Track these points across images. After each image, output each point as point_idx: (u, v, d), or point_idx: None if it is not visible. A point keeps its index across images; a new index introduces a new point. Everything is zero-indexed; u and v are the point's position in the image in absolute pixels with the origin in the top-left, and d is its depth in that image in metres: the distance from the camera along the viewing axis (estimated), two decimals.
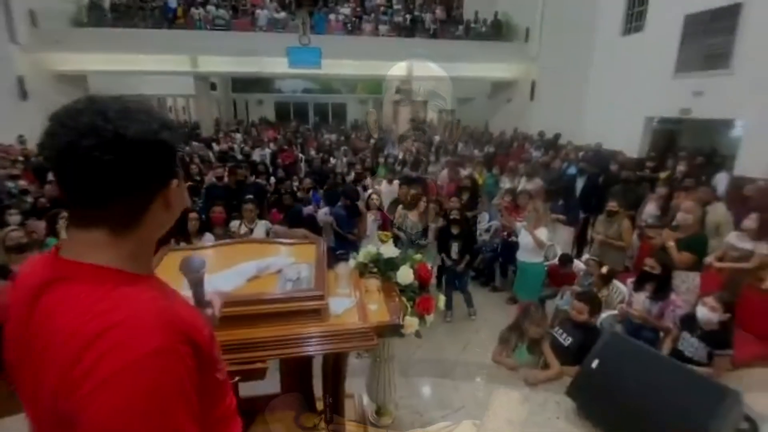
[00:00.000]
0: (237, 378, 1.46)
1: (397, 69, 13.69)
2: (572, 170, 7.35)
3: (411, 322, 1.69)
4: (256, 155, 9.26)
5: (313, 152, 9.57)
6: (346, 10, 14.73)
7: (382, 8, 14.87)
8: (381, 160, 8.63)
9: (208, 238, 3.76)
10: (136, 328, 0.54)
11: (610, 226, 4.42)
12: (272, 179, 6.48)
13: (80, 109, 0.58)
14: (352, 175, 6.83)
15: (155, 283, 0.67)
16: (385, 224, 4.64)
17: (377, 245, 4.20)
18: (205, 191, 5.49)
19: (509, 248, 4.71)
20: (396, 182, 6.11)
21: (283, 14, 13.67)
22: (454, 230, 4.32)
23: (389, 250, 1.93)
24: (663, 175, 6.67)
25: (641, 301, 3.07)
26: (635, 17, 10.70)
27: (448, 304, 4.50)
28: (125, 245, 0.63)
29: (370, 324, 1.52)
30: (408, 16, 14.16)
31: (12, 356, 0.63)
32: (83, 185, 0.58)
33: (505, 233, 4.91)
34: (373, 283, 1.86)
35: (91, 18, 12.15)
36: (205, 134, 13.03)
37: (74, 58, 11.69)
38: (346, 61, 13.33)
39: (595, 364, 2.10)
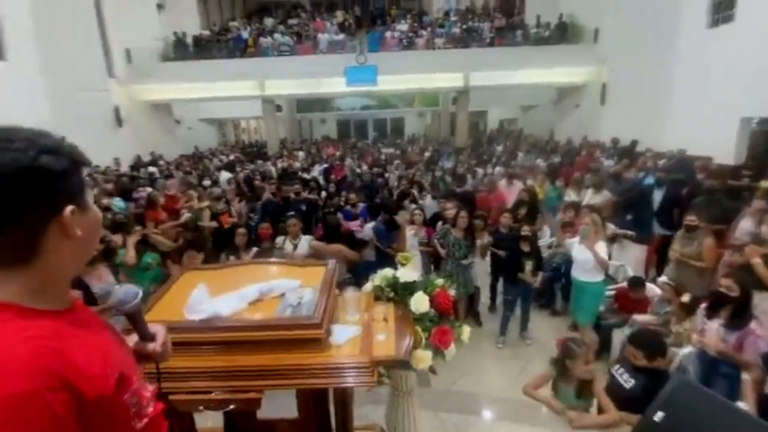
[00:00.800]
0: (230, 406, 1.42)
1: (453, 80, 13.49)
2: (649, 180, 6.54)
3: (423, 357, 1.52)
4: (316, 171, 9.59)
5: (365, 167, 9.66)
6: (403, 26, 14.94)
7: (438, 21, 14.85)
8: (438, 173, 8.46)
9: (255, 252, 3.89)
10: None
11: (689, 243, 3.80)
12: (323, 194, 6.61)
13: None
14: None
15: (61, 321, 0.61)
16: (430, 236, 4.46)
17: (419, 257, 4.11)
18: (261, 207, 5.75)
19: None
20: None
21: (341, 36, 14.22)
22: (525, 247, 4.03)
23: (407, 274, 1.78)
24: (765, 184, 5.65)
25: (715, 329, 2.56)
26: (723, 6, 9.42)
27: (503, 329, 4.18)
28: (23, 280, 0.59)
29: (372, 357, 1.38)
30: (464, 27, 13.94)
31: None
32: None
33: (565, 251, 4.47)
34: (388, 310, 1.72)
35: (176, 53, 13.68)
36: (271, 153, 13.86)
37: (161, 88, 13.21)
38: (402, 76, 13.43)
39: (659, 416, 1.72)
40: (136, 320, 0.87)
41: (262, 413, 1.74)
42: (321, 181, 8.37)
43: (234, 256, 3.97)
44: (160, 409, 0.72)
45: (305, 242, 4.06)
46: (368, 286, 1.87)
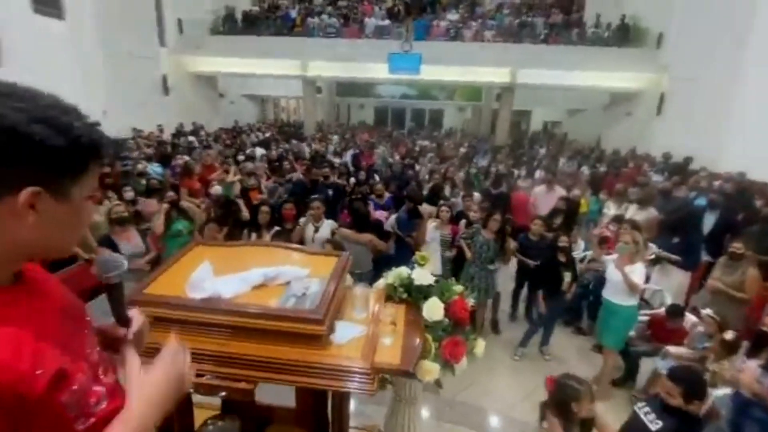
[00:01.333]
0: (222, 394, 1.36)
1: (500, 76, 13.00)
2: (701, 201, 6.03)
3: (430, 369, 1.39)
4: (347, 157, 9.54)
5: (398, 157, 9.50)
6: (453, 15, 14.49)
7: (490, 13, 14.28)
8: (473, 170, 8.21)
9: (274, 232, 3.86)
10: None
11: (731, 271, 3.46)
12: (352, 180, 6.54)
13: None
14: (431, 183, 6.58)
15: None
16: (455, 236, 4.29)
17: (438, 255, 3.96)
18: (288, 187, 5.74)
19: (603, 285, 3.99)
20: (477, 195, 5.68)
21: (388, 22, 13.96)
22: (562, 258, 3.81)
23: (423, 276, 1.65)
24: None
25: (752, 368, 2.30)
26: None
27: (524, 341, 3.99)
28: None
29: (373, 364, 1.27)
30: (516, 21, 13.33)
31: None
32: None
33: (599, 267, 4.20)
34: (399, 312, 1.60)
35: (225, 27, 13.90)
36: (307, 134, 13.94)
37: (209, 60, 13.50)
38: (446, 67, 13.09)
39: None
40: (113, 297, 0.78)
41: (261, 397, 1.69)
42: (350, 166, 8.32)
43: (256, 233, 3.97)
44: (118, 404, 0.63)
45: (327, 227, 3.99)
46: (380, 283, 1.76)
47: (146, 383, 0.68)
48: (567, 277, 3.81)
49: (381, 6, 15.58)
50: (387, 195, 5.60)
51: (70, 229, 0.62)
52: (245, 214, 4.36)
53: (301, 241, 3.98)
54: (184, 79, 13.27)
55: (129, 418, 0.62)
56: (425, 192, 6.01)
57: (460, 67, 13.01)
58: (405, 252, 4.07)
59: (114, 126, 10.32)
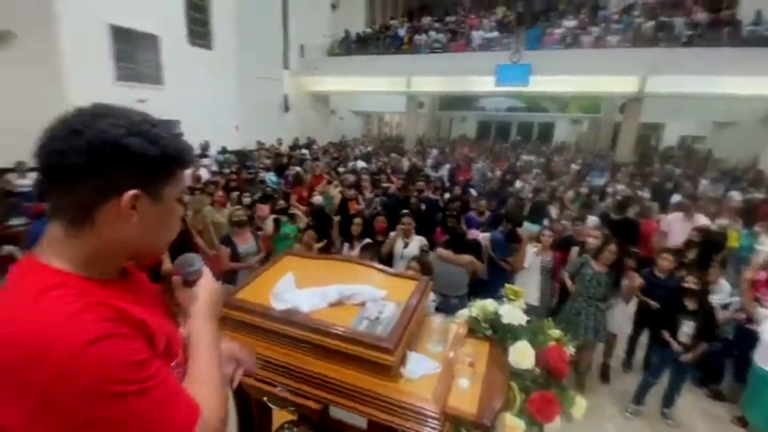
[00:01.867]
0: (292, 408, 1.35)
1: (625, 85, 11.57)
2: None
3: (513, 425, 1.20)
4: (443, 171, 9.43)
5: (498, 172, 9.03)
6: (571, 22, 13.44)
7: (616, 16, 12.86)
8: (583, 190, 7.36)
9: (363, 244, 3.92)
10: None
11: None
12: (447, 196, 6.39)
13: (67, 115, 0.62)
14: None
15: (98, 288, 0.62)
16: (556, 271, 3.84)
17: (537, 283, 3.56)
18: (385, 199, 5.85)
19: (750, 340, 3.14)
20: (593, 219, 5.02)
21: (495, 33, 13.56)
22: (689, 304, 3.16)
23: (512, 313, 1.46)
24: None
25: None
26: None
27: (639, 396, 3.36)
28: (78, 245, 0.62)
29: (445, 408, 1.14)
30: (651, 23, 11.73)
31: None
32: (52, 166, 0.60)
33: (745, 317, 3.34)
34: (481, 350, 1.44)
35: (341, 48, 15.06)
36: (407, 148, 14.22)
37: (324, 80, 14.76)
38: (560, 77, 12.15)
39: None
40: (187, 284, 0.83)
41: (335, 412, 1.67)
42: (446, 181, 8.17)
43: (348, 243, 4.09)
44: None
45: (416, 243, 3.92)
46: (464, 314, 1.60)
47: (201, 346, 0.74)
48: (689, 327, 3.08)
49: (490, 18, 15.27)
50: (488, 213, 5.33)
51: (164, 229, 0.71)
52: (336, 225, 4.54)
53: (390, 256, 3.98)
54: (301, 98, 14.71)
55: (192, 374, 0.71)
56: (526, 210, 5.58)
57: (576, 76, 11.95)
58: (501, 276, 3.77)
59: (244, 139, 11.92)
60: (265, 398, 1.38)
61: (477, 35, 13.65)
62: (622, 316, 3.70)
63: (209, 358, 0.72)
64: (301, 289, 1.48)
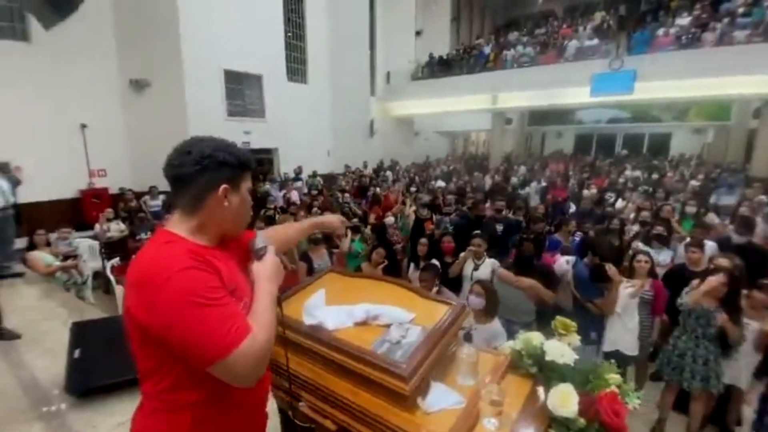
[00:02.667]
0: (312, 425, 1.33)
1: (757, 85, 9.66)
2: None
3: None
4: (532, 189, 8.83)
5: (594, 190, 8.12)
6: (685, 20, 11.82)
7: (742, 9, 10.93)
8: (692, 209, 6.18)
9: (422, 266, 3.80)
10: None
11: None
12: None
13: (185, 142, 0.98)
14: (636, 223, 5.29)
15: (201, 249, 0.96)
16: (658, 303, 3.24)
17: (635, 324, 3.02)
18: (457, 220, 5.66)
19: None
20: (711, 245, 4.16)
21: (595, 41, 12.53)
22: None
23: (558, 350, 1.25)
24: None
25: None
26: None
27: None
28: (190, 222, 0.98)
29: None
30: None
31: None
32: (174, 175, 0.96)
33: None
34: (522, 388, 1.26)
35: (424, 72, 15.36)
36: (493, 166, 13.71)
37: (407, 104, 15.15)
38: (675, 81, 10.68)
39: None
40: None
41: None
42: (537, 200, 7.61)
43: (414, 263, 4.02)
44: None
45: (488, 265, 3.68)
46: (508, 346, 1.43)
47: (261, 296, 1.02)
48: None
49: (587, 25, 14.20)
50: (578, 235, 4.80)
51: (242, 212, 1.04)
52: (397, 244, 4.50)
53: (460, 277, 3.80)
54: (386, 122, 15.26)
55: (253, 311, 0.98)
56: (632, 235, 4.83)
57: (695, 79, 10.37)
58: (591, 316, 3.22)
59: (333, 163, 12.74)
60: (290, 412, 1.39)
61: (571, 45, 12.77)
62: (752, 367, 2.95)
63: (265, 305, 0.98)
64: (331, 306, 1.48)
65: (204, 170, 0.94)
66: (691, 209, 5.76)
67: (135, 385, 1.85)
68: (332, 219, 1.60)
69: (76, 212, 7.74)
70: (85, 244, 5.96)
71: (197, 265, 0.89)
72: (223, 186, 0.96)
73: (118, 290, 5.03)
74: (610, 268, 3.08)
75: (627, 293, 3.05)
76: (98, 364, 1.95)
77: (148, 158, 8.59)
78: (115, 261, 5.24)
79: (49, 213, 6.93)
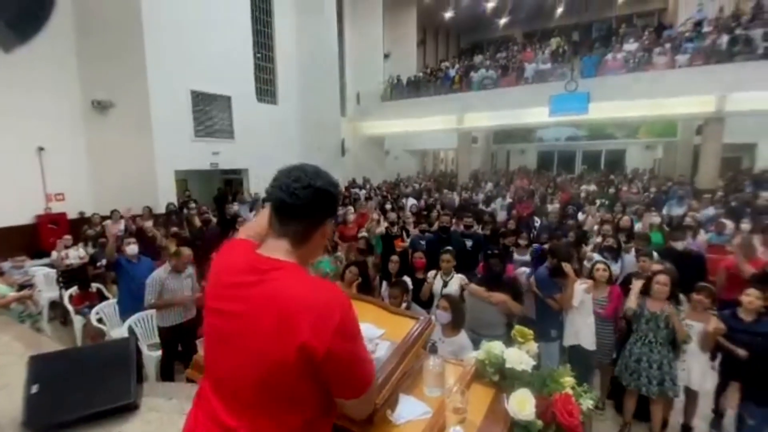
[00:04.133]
0: None
1: (699, 105, 10.57)
2: None
3: None
4: (497, 205, 9.15)
5: (557, 204, 8.53)
6: (632, 45, 12.83)
7: (686, 34, 12.02)
8: (656, 220, 6.63)
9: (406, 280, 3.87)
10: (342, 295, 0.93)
11: None
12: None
13: (296, 171, 0.96)
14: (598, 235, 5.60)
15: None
16: (612, 306, 3.45)
17: (590, 324, 3.20)
18: (430, 236, 5.78)
19: None
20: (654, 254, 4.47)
21: (549, 65, 13.35)
22: None
23: (516, 357, 1.34)
24: None
25: None
26: None
27: None
28: (296, 254, 0.97)
29: None
30: (725, 38, 10.78)
31: (232, 307, 0.94)
32: (287, 208, 0.94)
33: None
34: (485, 397, 1.33)
35: (393, 94, 15.77)
36: (461, 183, 14.10)
37: (378, 124, 15.45)
38: (624, 102, 11.51)
39: None
40: None
41: None
42: (503, 216, 7.89)
43: (386, 280, 4.08)
44: None
45: (456, 281, 3.79)
46: (473, 356, 1.51)
47: None
48: None
49: (545, 50, 15.11)
50: (534, 246, 5.04)
51: (324, 242, 1.09)
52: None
53: (431, 296, 3.88)
54: (357, 141, 15.48)
55: None
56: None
57: (644, 100, 11.22)
58: (551, 316, 3.48)
59: None
60: None
61: (530, 68, 13.53)
62: (701, 367, 3.17)
63: None
64: None
65: (323, 205, 0.96)
66: (655, 219, 6.17)
67: (100, 419, 1.79)
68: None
69: (32, 239, 7.33)
70: (40, 272, 5.66)
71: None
72: (331, 220, 1.02)
73: (77, 321, 4.78)
74: (566, 266, 3.30)
75: (582, 288, 3.28)
76: (59, 399, 1.87)
77: (110, 181, 8.33)
78: (73, 290, 4.99)
79: (2, 240, 6.54)
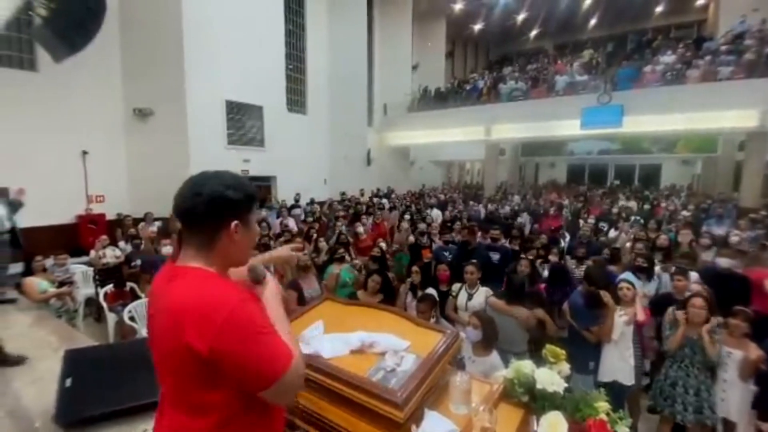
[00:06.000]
0: None
1: (741, 119, 10.04)
2: None
3: None
4: (524, 219, 8.94)
5: (590, 220, 8.24)
6: (668, 57, 12.40)
7: (725, 47, 11.51)
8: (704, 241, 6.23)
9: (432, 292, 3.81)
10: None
11: None
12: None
13: (192, 179, 1.02)
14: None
15: (224, 278, 1.03)
16: (639, 328, 3.23)
17: (631, 356, 3.02)
18: (455, 248, 5.70)
19: None
20: (693, 274, 4.20)
21: (584, 77, 13.06)
22: None
23: (548, 378, 1.28)
24: None
25: None
26: None
27: None
28: (206, 258, 1.00)
29: None
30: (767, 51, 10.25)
31: (150, 313, 1.04)
32: (182, 216, 1.00)
33: None
34: (514, 417, 1.27)
35: (419, 105, 15.83)
36: (487, 195, 13.90)
37: (404, 134, 15.50)
38: (661, 115, 11.07)
39: None
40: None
41: None
42: (530, 230, 7.70)
43: (412, 292, 4.04)
44: None
45: (482, 294, 3.70)
46: (501, 375, 1.45)
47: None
48: None
49: (577, 62, 14.82)
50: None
51: (248, 246, 1.08)
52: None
53: (455, 308, 3.80)
54: (383, 152, 15.57)
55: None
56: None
57: (681, 114, 10.76)
58: (587, 347, 3.23)
59: (330, 191, 12.88)
60: None
61: (561, 80, 13.29)
62: (741, 397, 2.93)
63: (286, 326, 1.04)
64: (328, 334, 1.50)
65: (216, 210, 0.98)
66: (705, 241, 5.85)
67: (127, 416, 1.83)
68: (281, 252, 1.50)
69: (72, 237, 7.72)
70: (79, 270, 5.93)
71: (249, 296, 0.97)
72: (234, 223, 1.00)
73: (110, 318, 4.96)
74: (605, 295, 3.12)
75: (622, 321, 3.07)
76: (91, 393, 1.93)
77: (147, 185, 8.69)
78: (109, 288, 5.20)
79: (44, 238, 6.91)
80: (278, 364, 0.90)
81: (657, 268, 4.45)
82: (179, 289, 0.95)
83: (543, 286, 4.21)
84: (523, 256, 4.82)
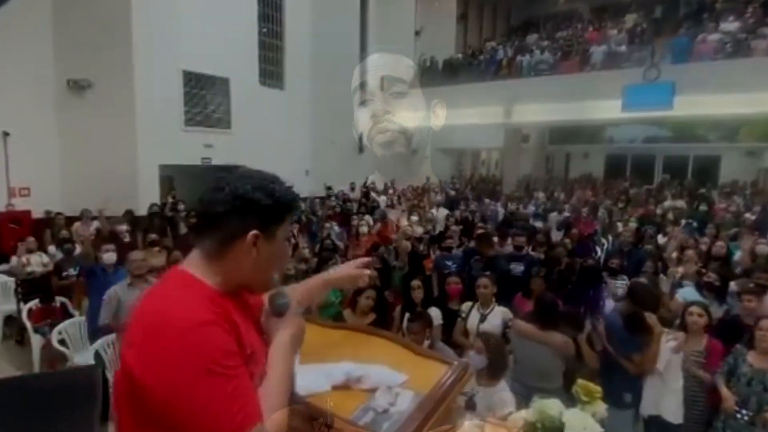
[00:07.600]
0: None
1: None
2: None
3: None
4: (552, 221, 8.98)
5: (632, 223, 8.28)
6: (730, 25, 12.50)
7: None
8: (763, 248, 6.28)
9: (434, 312, 3.79)
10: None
11: None
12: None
13: (223, 174, 1.01)
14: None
15: (219, 297, 0.98)
16: (711, 364, 3.24)
17: (679, 388, 3.02)
18: (463, 255, 5.71)
19: None
20: None
21: (623, 47, 13.14)
22: None
23: (578, 420, 1.27)
24: None
25: None
26: None
27: None
28: (210, 266, 0.99)
29: None
30: None
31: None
32: (200, 215, 1.04)
33: None
34: None
35: (424, 79, 15.84)
36: (506, 191, 13.95)
37: (398, 116, 15.51)
38: (721, 96, 11.15)
39: None
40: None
41: None
42: (558, 235, 7.73)
43: (409, 311, 4.03)
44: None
45: (498, 315, 3.71)
46: (519, 416, 1.45)
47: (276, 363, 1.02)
48: None
49: (619, 28, 14.90)
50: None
51: (273, 264, 1.07)
52: None
53: (466, 332, 3.80)
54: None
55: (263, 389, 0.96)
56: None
57: (746, 94, 10.85)
58: (622, 376, 3.24)
59: (313, 184, 12.87)
60: None
61: (598, 51, 13.37)
62: None
63: (281, 383, 0.99)
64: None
65: (234, 212, 0.96)
66: (763, 248, 5.84)
67: None
68: (347, 270, 1.47)
69: None
70: None
71: (216, 319, 0.89)
72: (253, 232, 0.96)
73: (35, 340, 4.92)
74: (650, 317, 3.13)
75: (669, 347, 3.08)
76: None
77: (84, 175, 8.63)
78: (34, 303, 5.15)
79: None
80: (227, 424, 0.81)
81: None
82: (149, 297, 0.96)
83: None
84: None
